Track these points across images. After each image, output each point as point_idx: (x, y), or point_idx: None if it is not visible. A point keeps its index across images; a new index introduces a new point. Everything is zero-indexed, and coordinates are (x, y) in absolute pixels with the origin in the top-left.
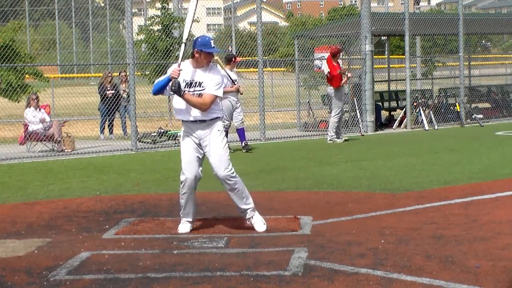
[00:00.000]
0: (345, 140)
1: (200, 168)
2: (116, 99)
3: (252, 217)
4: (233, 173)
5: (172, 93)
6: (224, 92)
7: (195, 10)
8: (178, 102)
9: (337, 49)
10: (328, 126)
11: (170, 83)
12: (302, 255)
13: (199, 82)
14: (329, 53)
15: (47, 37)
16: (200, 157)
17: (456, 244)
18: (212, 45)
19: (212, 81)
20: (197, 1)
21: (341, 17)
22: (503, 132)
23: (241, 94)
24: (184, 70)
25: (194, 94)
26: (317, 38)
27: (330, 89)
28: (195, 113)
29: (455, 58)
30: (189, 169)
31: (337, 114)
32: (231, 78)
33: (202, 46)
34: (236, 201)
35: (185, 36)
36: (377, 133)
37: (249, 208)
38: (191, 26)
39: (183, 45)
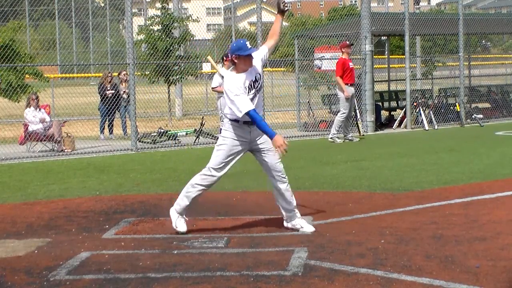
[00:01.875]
0: (349, 140)
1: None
2: (116, 99)
3: (296, 218)
4: (284, 174)
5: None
6: (220, 92)
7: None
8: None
9: (345, 43)
10: (333, 124)
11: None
12: (302, 255)
13: (255, 79)
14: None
15: (47, 37)
16: (238, 160)
17: (456, 244)
18: (248, 46)
19: (258, 64)
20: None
21: (341, 17)
22: (503, 132)
23: None
24: (237, 79)
25: (256, 93)
26: (317, 38)
27: (337, 89)
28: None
29: (455, 58)
30: (222, 169)
31: (344, 114)
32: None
33: (238, 50)
34: (285, 204)
35: None
36: (377, 133)
37: (294, 209)
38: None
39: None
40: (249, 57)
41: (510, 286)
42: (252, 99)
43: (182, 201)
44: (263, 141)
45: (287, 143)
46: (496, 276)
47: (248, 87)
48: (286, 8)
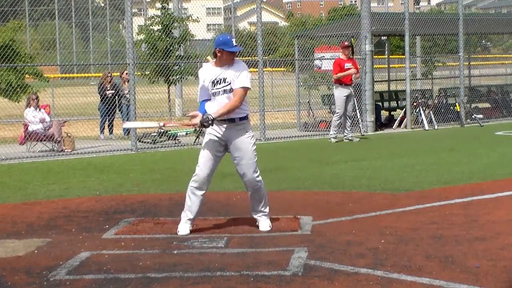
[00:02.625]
0: (349, 140)
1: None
2: (116, 99)
3: (263, 219)
4: (259, 176)
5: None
6: None
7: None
8: (208, 103)
9: (343, 44)
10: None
11: (203, 120)
12: (302, 255)
13: (223, 78)
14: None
15: (47, 37)
16: (220, 158)
17: (456, 244)
18: (234, 44)
19: (237, 75)
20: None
21: (341, 17)
22: (503, 132)
23: None
24: (209, 70)
25: (220, 91)
26: (317, 38)
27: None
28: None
29: (455, 58)
30: (204, 167)
31: (338, 114)
32: None
33: (223, 45)
34: (254, 204)
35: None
36: (377, 133)
37: (264, 213)
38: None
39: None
40: (232, 53)
41: (510, 286)
42: (214, 94)
43: (185, 203)
44: (235, 149)
45: (197, 127)
46: (496, 276)
47: (214, 81)
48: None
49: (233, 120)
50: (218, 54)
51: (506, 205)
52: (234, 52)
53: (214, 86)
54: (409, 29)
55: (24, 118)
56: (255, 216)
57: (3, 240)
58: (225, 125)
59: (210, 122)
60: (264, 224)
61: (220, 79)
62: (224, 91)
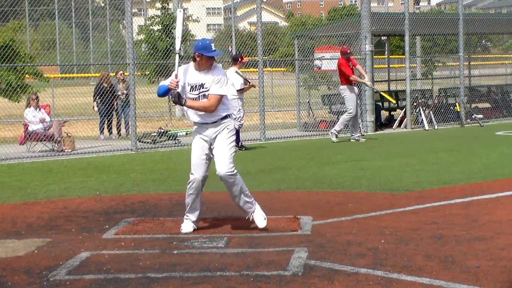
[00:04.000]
0: (356, 140)
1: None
2: (113, 99)
3: (252, 212)
4: (233, 171)
5: (173, 103)
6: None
7: (183, 21)
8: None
9: (346, 48)
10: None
11: (170, 95)
12: (302, 255)
13: (202, 83)
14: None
15: (47, 37)
16: (210, 158)
17: (456, 244)
18: (213, 48)
19: (214, 81)
20: (183, 12)
21: (341, 17)
22: (503, 132)
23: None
24: (188, 73)
25: (199, 96)
26: (317, 38)
27: (342, 89)
28: (204, 117)
29: (455, 58)
30: (197, 170)
31: (351, 113)
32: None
33: (203, 49)
34: (235, 199)
35: (177, 46)
36: (377, 133)
37: (248, 204)
38: (182, 37)
39: (177, 56)
40: (211, 59)
41: (510, 286)
42: (194, 99)
43: (188, 209)
44: (214, 147)
45: (176, 80)
46: (496, 276)
47: (193, 86)
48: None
49: (215, 121)
50: (197, 59)
51: (506, 205)
52: (212, 57)
53: (192, 91)
54: (409, 29)
55: (24, 118)
56: (247, 212)
57: (3, 240)
58: (208, 127)
59: (175, 99)
60: (259, 219)
61: (198, 85)
62: (204, 95)
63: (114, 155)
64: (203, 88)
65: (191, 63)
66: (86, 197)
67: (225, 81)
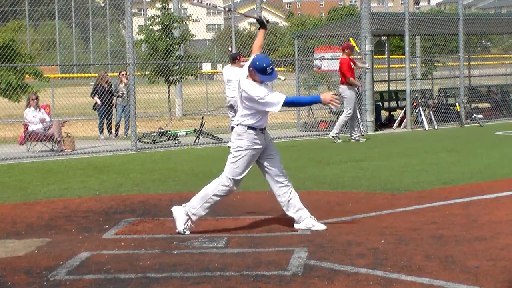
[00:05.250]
0: (356, 140)
1: None
2: (110, 99)
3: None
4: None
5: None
6: None
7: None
8: (259, 114)
9: (350, 45)
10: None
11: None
12: (302, 255)
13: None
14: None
15: (47, 37)
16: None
17: (456, 244)
18: (268, 72)
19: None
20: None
21: (341, 17)
22: (503, 132)
23: None
24: (258, 85)
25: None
26: (317, 38)
27: (342, 88)
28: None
29: (455, 58)
30: (241, 180)
31: (349, 113)
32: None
33: (259, 72)
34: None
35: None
36: (377, 133)
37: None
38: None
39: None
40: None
41: (510, 286)
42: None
43: (199, 211)
44: (268, 147)
45: (337, 99)
46: (496, 276)
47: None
48: (267, 23)
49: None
50: (252, 74)
51: (506, 205)
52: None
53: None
54: (409, 29)
55: (24, 118)
56: (302, 220)
57: (3, 240)
58: (264, 133)
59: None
60: (317, 224)
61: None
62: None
63: (114, 155)
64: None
65: (249, 79)
66: (86, 197)
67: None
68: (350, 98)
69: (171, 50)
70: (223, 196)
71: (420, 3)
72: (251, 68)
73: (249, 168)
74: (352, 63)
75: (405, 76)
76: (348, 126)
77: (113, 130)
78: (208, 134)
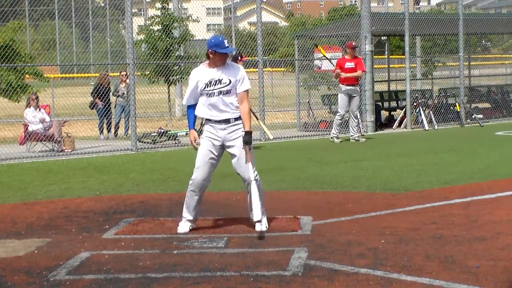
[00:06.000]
0: (356, 140)
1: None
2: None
3: (259, 220)
4: (257, 176)
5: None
6: None
7: None
8: (201, 102)
9: (351, 44)
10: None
11: (247, 139)
12: (302, 255)
13: (220, 79)
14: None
15: (47, 37)
16: (216, 160)
17: (456, 244)
18: (226, 45)
19: (238, 79)
20: None
21: (341, 17)
22: (503, 132)
23: None
24: (202, 72)
25: (215, 91)
26: (317, 38)
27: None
28: (220, 113)
29: (455, 58)
30: (201, 170)
31: (339, 114)
32: None
33: (216, 46)
34: (253, 203)
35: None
36: (377, 133)
37: (262, 212)
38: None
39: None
40: (225, 55)
41: (510, 286)
42: (208, 95)
43: (185, 208)
44: (234, 145)
45: (197, 145)
46: (496, 276)
47: (209, 82)
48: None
49: (228, 120)
50: (211, 56)
51: (506, 205)
52: (226, 54)
53: (208, 87)
54: (409, 29)
55: (24, 118)
56: (255, 219)
57: (3, 240)
58: (221, 126)
59: (249, 137)
60: (260, 225)
61: (216, 80)
62: (220, 92)
63: (114, 155)
64: (220, 84)
65: (202, 65)
66: (86, 197)
67: (246, 76)
68: (340, 99)
69: (171, 50)
70: (190, 190)
71: (420, 3)
72: (210, 50)
73: (201, 158)
74: (348, 62)
75: (405, 76)
76: (347, 126)
77: (112, 130)
78: None
